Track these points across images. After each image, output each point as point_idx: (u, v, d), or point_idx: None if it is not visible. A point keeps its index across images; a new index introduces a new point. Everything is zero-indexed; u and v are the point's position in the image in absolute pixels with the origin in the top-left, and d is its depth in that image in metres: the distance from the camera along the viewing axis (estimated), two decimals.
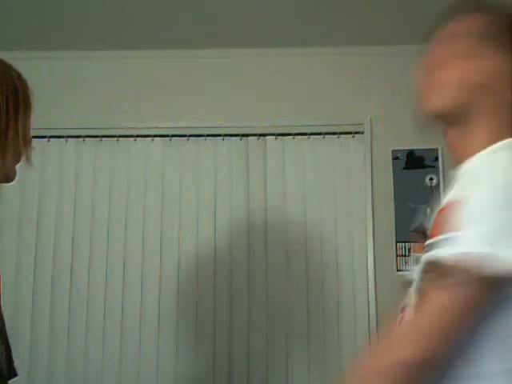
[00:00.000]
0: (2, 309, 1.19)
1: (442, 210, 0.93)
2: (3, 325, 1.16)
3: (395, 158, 2.70)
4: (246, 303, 2.65)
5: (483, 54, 1.01)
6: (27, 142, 1.12)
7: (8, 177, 1.12)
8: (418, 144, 2.63)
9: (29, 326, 2.64)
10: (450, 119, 1.04)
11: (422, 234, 1.04)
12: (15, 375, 1.19)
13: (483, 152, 0.97)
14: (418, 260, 1.05)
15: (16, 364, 1.21)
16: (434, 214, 0.97)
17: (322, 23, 2.59)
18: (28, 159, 1.14)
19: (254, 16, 2.53)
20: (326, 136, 2.76)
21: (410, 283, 1.11)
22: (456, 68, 1.02)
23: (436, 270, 0.86)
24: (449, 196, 0.94)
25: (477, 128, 1.01)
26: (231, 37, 2.73)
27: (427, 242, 0.92)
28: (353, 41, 2.71)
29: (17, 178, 1.14)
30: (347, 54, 2.78)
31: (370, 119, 2.73)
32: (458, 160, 1.03)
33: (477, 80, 1.01)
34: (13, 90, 1.07)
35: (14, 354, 1.23)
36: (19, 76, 1.11)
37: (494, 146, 0.97)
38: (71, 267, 2.70)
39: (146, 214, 2.73)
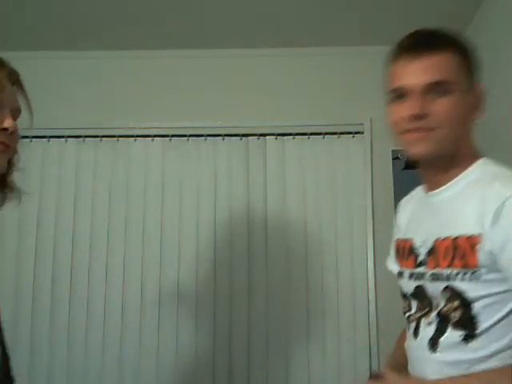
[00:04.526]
0: (2, 317, 1.17)
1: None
2: (2, 335, 1.14)
3: (395, 158, 2.70)
4: (246, 303, 2.65)
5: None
6: None
7: None
8: None
9: (29, 326, 2.64)
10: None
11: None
12: (13, 382, 1.18)
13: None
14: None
15: (14, 373, 1.20)
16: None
17: (322, 23, 2.59)
18: (1, 145, 1.06)
19: (253, 16, 2.53)
20: (326, 136, 2.75)
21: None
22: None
23: None
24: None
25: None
26: (231, 37, 2.73)
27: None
28: (353, 41, 2.71)
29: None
30: (347, 54, 2.78)
31: (370, 119, 2.73)
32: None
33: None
34: None
35: (14, 361, 1.22)
36: None
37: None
38: (71, 267, 2.70)
39: (146, 214, 2.73)
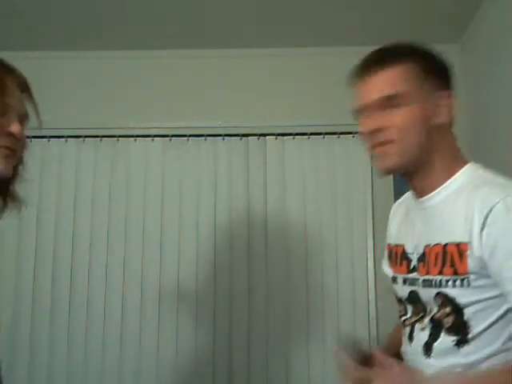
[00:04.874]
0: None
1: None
2: None
3: None
4: (246, 303, 2.65)
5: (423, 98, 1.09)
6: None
7: None
8: None
9: (29, 326, 2.64)
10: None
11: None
12: None
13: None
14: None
15: (2, 375, 1.19)
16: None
17: (322, 23, 2.59)
18: (7, 150, 1.06)
19: (254, 16, 2.53)
20: (326, 136, 2.76)
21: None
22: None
23: None
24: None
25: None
26: (231, 37, 2.73)
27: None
28: (353, 41, 2.71)
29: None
30: (347, 54, 2.76)
31: None
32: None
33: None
34: None
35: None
36: None
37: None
38: (71, 267, 2.70)
39: (146, 214, 2.73)
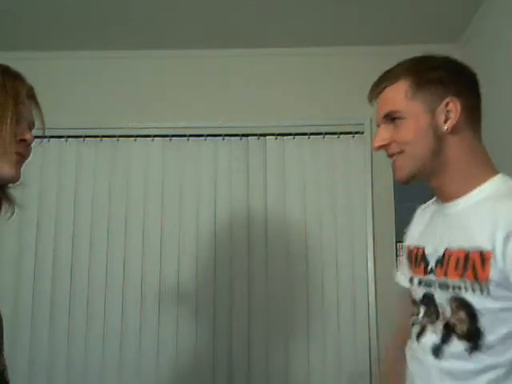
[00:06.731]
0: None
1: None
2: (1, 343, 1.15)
3: None
4: (246, 304, 2.65)
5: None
6: (14, 138, 1.07)
7: (1, 177, 1.09)
8: None
9: (29, 326, 2.64)
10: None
11: None
12: None
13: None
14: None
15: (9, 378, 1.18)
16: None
17: (322, 23, 2.59)
18: (19, 156, 1.10)
19: (254, 16, 2.53)
20: (326, 136, 2.76)
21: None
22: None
23: None
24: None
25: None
26: (231, 37, 2.73)
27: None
28: (353, 41, 2.72)
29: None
30: (347, 54, 2.78)
31: (370, 119, 2.73)
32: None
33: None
34: None
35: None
36: (5, 70, 1.11)
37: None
38: (71, 267, 2.70)
39: (146, 214, 2.74)
